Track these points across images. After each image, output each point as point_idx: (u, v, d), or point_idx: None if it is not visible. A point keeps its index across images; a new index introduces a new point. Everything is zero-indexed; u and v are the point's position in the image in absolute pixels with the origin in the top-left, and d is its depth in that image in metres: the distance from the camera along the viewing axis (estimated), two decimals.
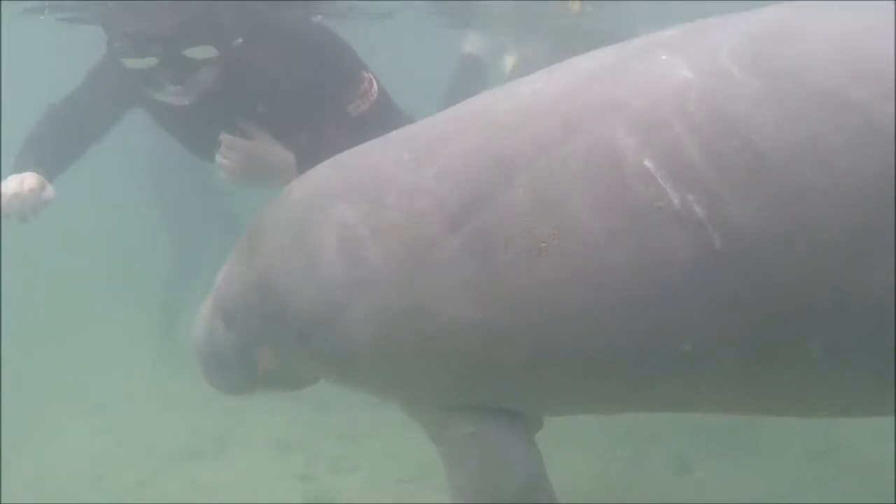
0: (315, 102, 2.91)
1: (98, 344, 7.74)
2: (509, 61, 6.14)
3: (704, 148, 1.60)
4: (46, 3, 3.88)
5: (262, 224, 2.42)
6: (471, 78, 5.68)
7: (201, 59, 2.69)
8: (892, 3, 1.62)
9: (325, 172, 2.35)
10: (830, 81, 1.55)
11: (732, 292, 1.60)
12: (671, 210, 1.60)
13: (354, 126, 2.81)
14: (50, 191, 2.73)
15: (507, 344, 1.85)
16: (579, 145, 1.74)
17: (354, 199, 2.08)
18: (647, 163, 1.63)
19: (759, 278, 1.57)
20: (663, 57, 1.78)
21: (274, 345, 2.40)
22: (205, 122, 2.95)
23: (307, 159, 2.67)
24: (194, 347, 2.73)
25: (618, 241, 1.67)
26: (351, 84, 2.92)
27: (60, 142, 3.01)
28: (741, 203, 1.56)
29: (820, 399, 1.79)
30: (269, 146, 2.95)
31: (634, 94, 1.74)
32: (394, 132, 2.29)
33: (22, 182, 2.64)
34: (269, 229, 2.36)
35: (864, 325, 1.58)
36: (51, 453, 5.51)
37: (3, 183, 2.66)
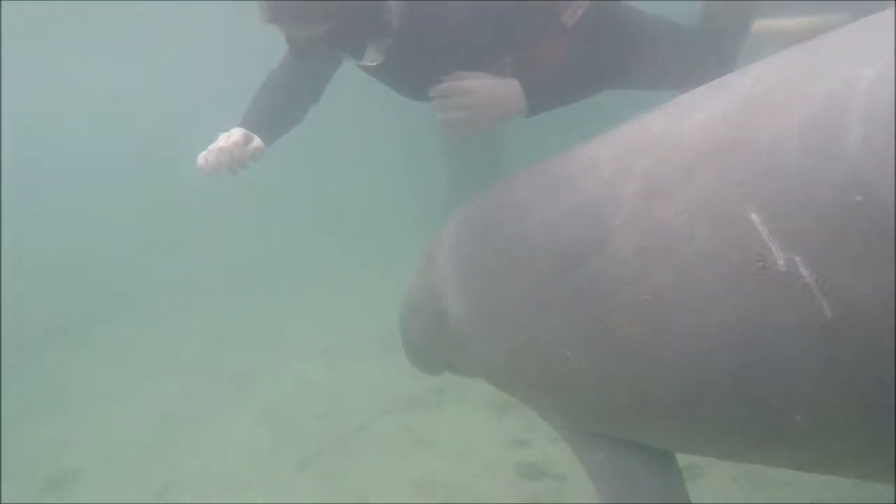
0: (518, 24, 2.71)
1: (332, 286, 8.53)
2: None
3: (819, 202, 1.49)
4: None
5: (440, 235, 2.73)
6: None
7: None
8: None
9: (482, 203, 2.56)
10: None
11: (846, 364, 1.50)
12: (776, 272, 1.53)
13: (577, 36, 2.68)
14: (257, 143, 2.97)
15: (613, 386, 1.91)
16: (690, 192, 1.71)
17: (495, 231, 2.30)
18: (754, 216, 1.57)
19: (874, 352, 1.46)
20: (780, 97, 1.66)
21: (444, 345, 2.75)
22: (410, 68, 2.89)
23: (532, 87, 2.61)
24: (399, 327, 3.24)
25: (717, 299, 1.63)
26: None
27: (281, 105, 3.21)
28: (856, 268, 1.45)
29: None
30: (486, 80, 2.69)
31: (748, 137, 1.65)
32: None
33: (228, 137, 2.92)
34: (441, 242, 2.68)
35: None
36: (282, 386, 6.23)
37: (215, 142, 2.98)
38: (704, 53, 3.59)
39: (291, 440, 5.32)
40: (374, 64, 2.77)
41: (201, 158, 2.87)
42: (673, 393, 1.80)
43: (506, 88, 2.64)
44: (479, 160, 7.01)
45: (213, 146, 2.90)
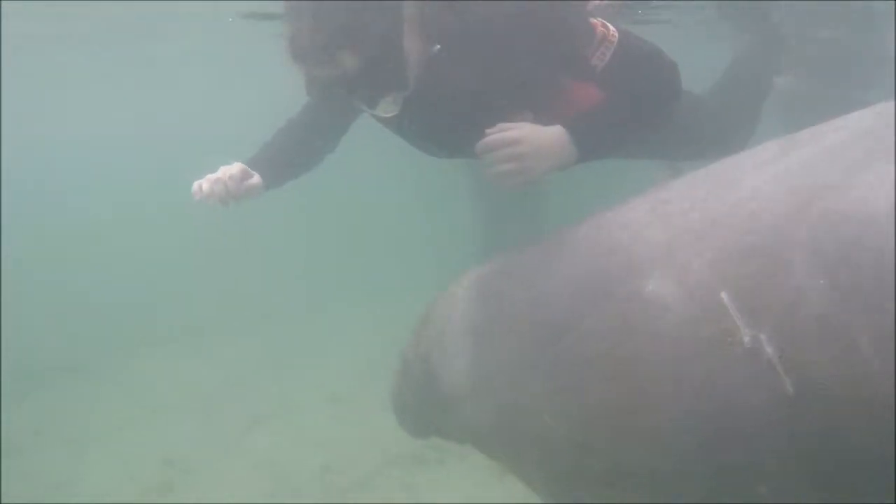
0: (547, 73, 2.77)
1: (343, 330, 8.60)
2: None
3: (783, 283, 1.61)
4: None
5: (433, 308, 2.85)
6: None
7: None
8: None
9: (489, 269, 2.68)
10: None
11: (807, 438, 1.59)
12: (742, 347, 1.63)
13: (609, 76, 2.71)
14: (255, 181, 3.05)
15: (589, 452, 2.00)
16: (669, 270, 1.82)
17: (495, 298, 2.44)
18: (723, 295, 1.68)
19: (832, 426, 1.56)
20: (751, 185, 1.82)
21: (435, 408, 2.83)
22: (427, 123, 2.94)
23: (577, 131, 2.62)
24: (390, 389, 3.30)
25: (688, 372, 1.72)
26: (580, 36, 2.75)
27: (292, 150, 3.35)
28: (816, 346, 1.55)
29: None
30: (531, 128, 2.66)
31: (716, 222, 1.80)
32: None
33: (227, 170, 3.03)
34: (433, 315, 2.81)
35: None
36: (285, 436, 6.27)
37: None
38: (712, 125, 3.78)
39: (291, 494, 5.34)
40: (390, 115, 2.83)
41: (196, 185, 2.97)
42: (645, 461, 1.87)
43: (553, 135, 2.62)
44: (518, 207, 7.07)
45: (211, 175, 3.00)
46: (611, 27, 2.76)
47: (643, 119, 2.74)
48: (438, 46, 2.74)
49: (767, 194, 1.77)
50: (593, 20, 2.79)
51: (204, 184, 2.95)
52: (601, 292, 1.99)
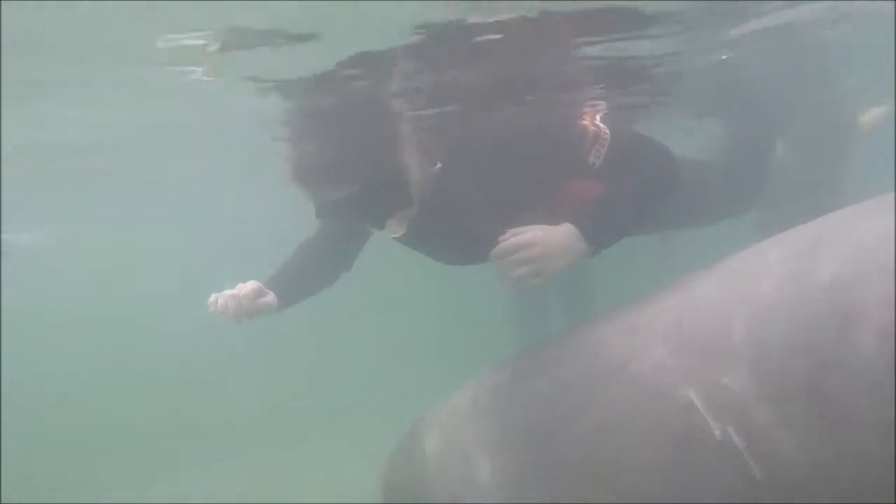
0: (548, 178, 3.00)
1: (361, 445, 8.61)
2: None
3: (748, 378, 1.87)
4: None
5: (423, 421, 3.02)
6: None
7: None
8: None
9: (464, 390, 2.90)
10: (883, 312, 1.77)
11: None
12: (713, 441, 1.87)
13: (607, 170, 2.95)
14: (269, 299, 3.20)
15: None
16: (643, 370, 2.08)
17: (480, 418, 2.65)
18: (691, 392, 1.92)
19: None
20: (717, 281, 2.11)
21: None
22: (437, 235, 3.18)
23: (585, 226, 2.81)
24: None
25: (663, 466, 1.95)
26: (575, 140, 3.01)
27: (307, 271, 3.56)
28: (780, 434, 1.79)
29: None
30: (541, 230, 2.83)
31: (687, 319, 2.07)
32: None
33: (242, 287, 3.15)
34: (415, 437, 2.97)
35: None
36: None
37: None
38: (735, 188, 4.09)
39: None
40: (398, 236, 3.07)
41: (212, 297, 3.17)
42: None
43: (563, 233, 2.79)
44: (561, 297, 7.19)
45: (227, 291, 3.19)
46: (601, 125, 3.02)
47: (644, 204, 2.97)
48: (439, 164, 3.01)
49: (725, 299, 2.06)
50: (583, 122, 3.05)
51: (220, 299, 3.14)
52: (580, 398, 2.25)
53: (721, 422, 1.86)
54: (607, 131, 3.01)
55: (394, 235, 3.08)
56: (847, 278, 1.86)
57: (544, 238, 2.79)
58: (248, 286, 3.19)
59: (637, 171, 2.94)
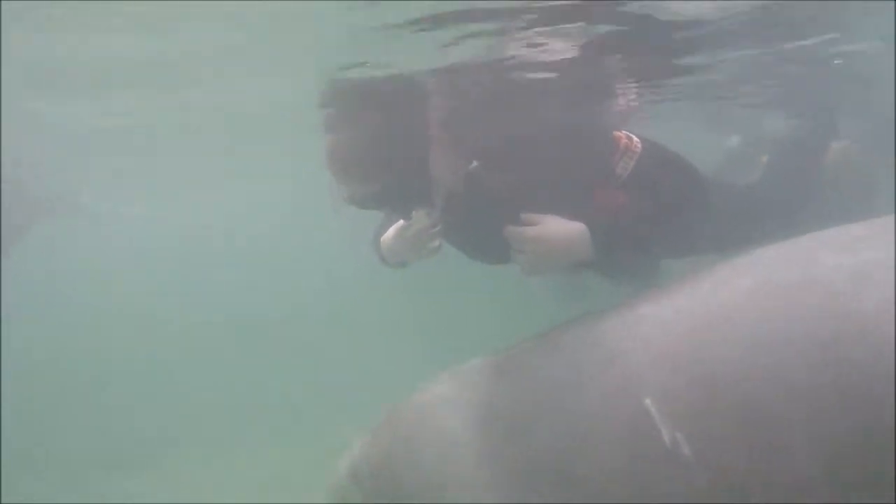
0: (575, 183, 3.12)
1: None
2: None
3: (697, 389, 2.03)
4: None
5: (396, 411, 3.13)
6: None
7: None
8: None
9: (439, 382, 3.01)
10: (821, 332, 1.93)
11: None
12: (663, 448, 2.02)
13: (634, 184, 3.09)
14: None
15: None
16: (607, 379, 2.27)
17: (453, 412, 2.75)
18: (648, 401, 2.09)
19: None
20: (683, 293, 2.30)
21: None
22: (468, 231, 3.35)
23: (599, 232, 2.96)
24: (328, 493, 3.42)
25: (620, 473, 2.11)
26: (605, 149, 3.14)
27: None
28: (724, 443, 1.95)
29: None
30: (556, 222, 3.01)
31: (647, 337, 2.25)
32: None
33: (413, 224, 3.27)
34: (397, 419, 3.07)
35: None
36: None
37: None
38: (762, 215, 4.11)
39: None
40: (437, 229, 3.25)
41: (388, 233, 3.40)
42: None
43: (572, 233, 2.96)
44: None
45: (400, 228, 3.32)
46: (634, 138, 3.16)
47: (662, 223, 3.05)
48: (476, 163, 3.20)
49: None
50: (617, 133, 3.19)
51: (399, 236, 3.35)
52: (544, 406, 2.41)
53: (671, 429, 2.03)
54: (639, 145, 3.14)
55: (421, 227, 3.25)
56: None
57: (552, 234, 2.99)
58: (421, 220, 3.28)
59: (661, 189, 3.06)
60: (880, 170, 5.14)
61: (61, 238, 14.88)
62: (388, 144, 3.17)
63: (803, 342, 1.96)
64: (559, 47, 4.06)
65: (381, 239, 3.46)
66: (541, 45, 3.99)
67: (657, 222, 3.06)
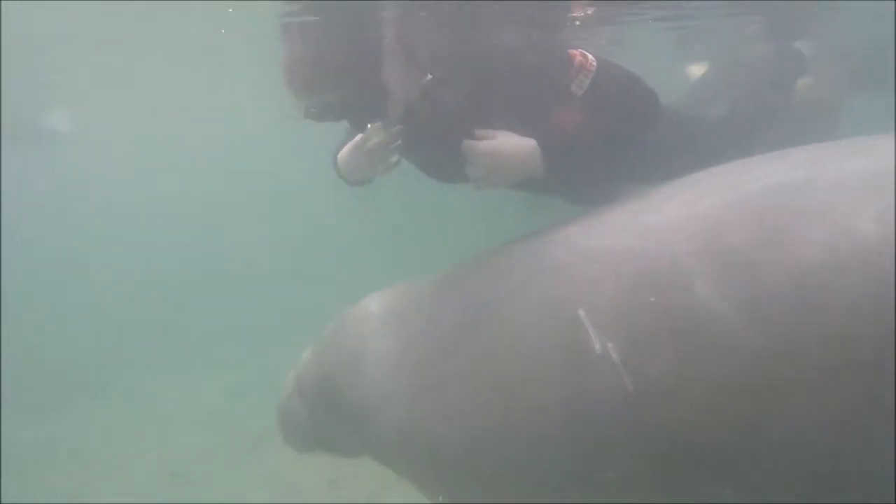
0: (530, 100, 3.14)
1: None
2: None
3: (626, 299, 2.09)
4: None
5: (337, 326, 3.22)
6: None
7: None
8: None
9: (378, 297, 3.11)
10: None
11: (644, 431, 2.03)
12: (594, 355, 2.08)
13: (589, 102, 3.10)
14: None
15: (479, 454, 2.44)
16: (545, 290, 2.33)
17: (392, 324, 2.86)
18: (581, 312, 2.14)
19: (666, 421, 1.99)
20: (619, 215, 2.35)
21: (333, 424, 3.23)
22: (424, 147, 3.36)
23: (551, 149, 3.02)
24: (277, 406, 3.66)
25: (555, 379, 2.18)
26: (559, 65, 3.13)
27: None
28: (652, 353, 2.01)
29: None
30: (509, 138, 3.07)
31: (584, 254, 2.30)
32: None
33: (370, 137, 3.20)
34: (339, 333, 3.17)
35: (774, 473, 1.90)
36: (291, 453, 6.66)
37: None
38: (724, 143, 4.13)
39: None
40: (396, 143, 3.22)
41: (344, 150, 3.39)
42: (523, 459, 2.32)
43: (523, 149, 3.03)
44: None
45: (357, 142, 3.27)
46: (590, 56, 3.14)
47: (616, 142, 3.10)
48: (430, 76, 3.20)
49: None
50: (572, 50, 3.16)
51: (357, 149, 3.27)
52: (486, 312, 2.47)
53: (601, 338, 2.08)
54: (594, 63, 3.12)
55: (378, 140, 3.22)
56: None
57: (503, 150, 3.06)
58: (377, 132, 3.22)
59: (617, 108, 3.09)
60: (842, 106, 5.20)
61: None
62: (344, 55, 3.18)
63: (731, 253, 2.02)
64: None
65: (339, 155, 3.45)
66: None
67: (611, 142, 3.09)
